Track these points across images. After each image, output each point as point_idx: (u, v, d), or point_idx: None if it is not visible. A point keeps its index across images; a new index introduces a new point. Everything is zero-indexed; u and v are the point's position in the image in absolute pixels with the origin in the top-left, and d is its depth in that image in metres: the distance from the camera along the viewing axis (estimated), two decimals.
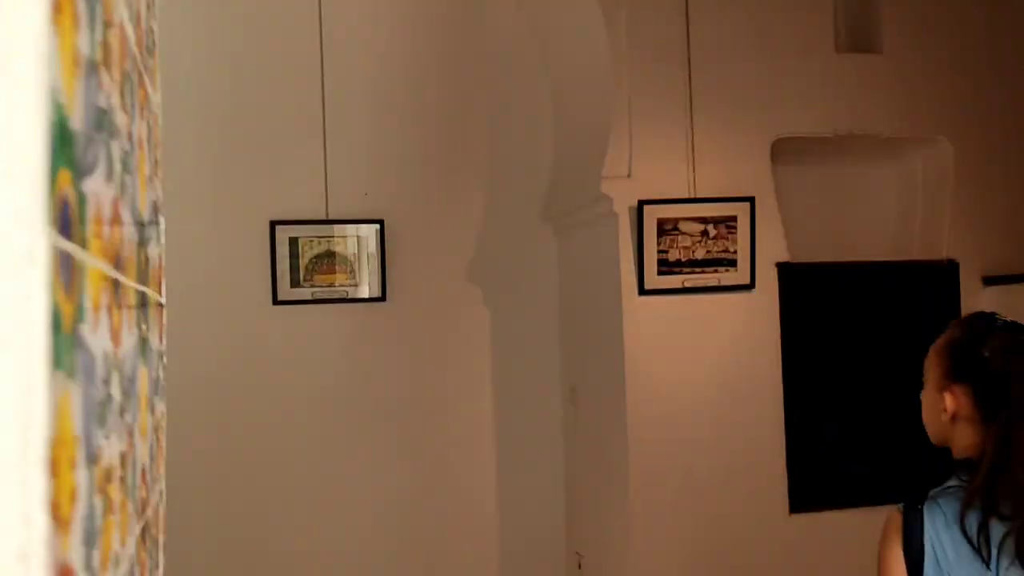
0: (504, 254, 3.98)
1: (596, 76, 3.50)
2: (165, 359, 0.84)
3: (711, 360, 3.39)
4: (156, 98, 0.85)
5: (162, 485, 0.81)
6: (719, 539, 3.35)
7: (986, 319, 1.57)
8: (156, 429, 0.76)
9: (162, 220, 0.83)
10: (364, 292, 3.78)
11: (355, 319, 3.80)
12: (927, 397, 1.60)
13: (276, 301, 3.69)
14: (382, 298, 3.80)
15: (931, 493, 1.50)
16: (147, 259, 0.74)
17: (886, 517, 1.54)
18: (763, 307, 3.44)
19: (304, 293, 3.72)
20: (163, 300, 0.81)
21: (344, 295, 3.76)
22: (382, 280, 3.80)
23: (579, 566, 3.81)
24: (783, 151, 3.56)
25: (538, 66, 4.02)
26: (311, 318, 3.75)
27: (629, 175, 3.35)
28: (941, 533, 1.44)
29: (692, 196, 3.39)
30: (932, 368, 1.58)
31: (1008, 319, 1.56)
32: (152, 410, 0.75)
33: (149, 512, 0.70)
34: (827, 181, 3.84)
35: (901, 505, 1.52)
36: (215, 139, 3.70)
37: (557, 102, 3.97)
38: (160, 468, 0.78)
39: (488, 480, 3.92)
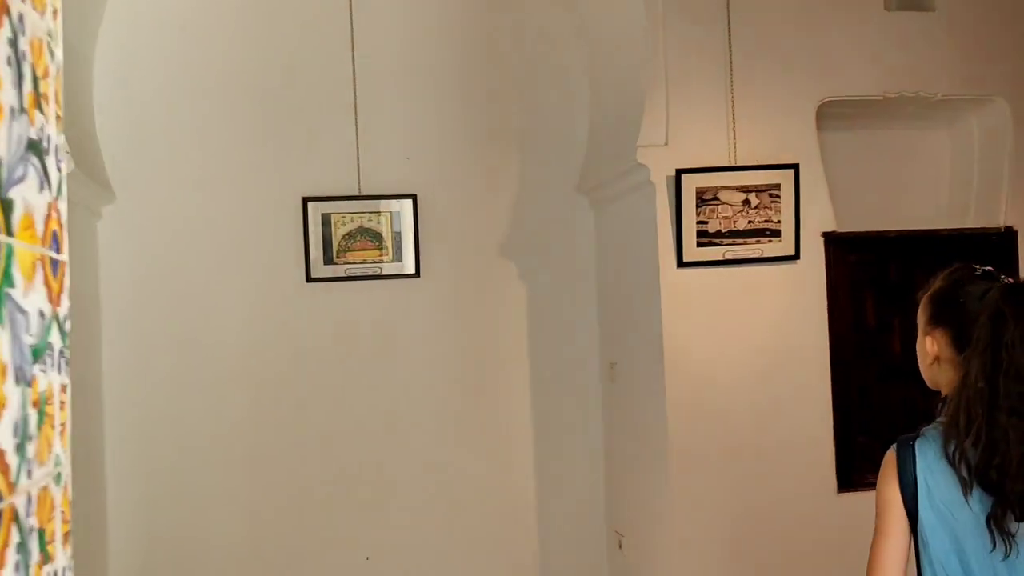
0: (540, 228, 3.89)
1: (631, 39, 3.38)
2: (68, 324, 0.76)
3: (754, 335, 3.27)
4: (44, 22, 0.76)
5: (59, 469, 0.74)
6: (764, 519, 3.25)
7: (966, 269, 1.66)
8: (39, 403, 0.70)
9: (54, 161, 0.74)
10: (398, 268, 3.73)
11: (389, 296, 3.74)
12: (918, 344, 1.69)
13: (309, 278, 3.65)
14: (416, 274, 3.74)
15: (922, 430, 1.58)
16: (11, 205, 0.65)
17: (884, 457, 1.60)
18: (809, 279, 3.31)
19: (337, 270, 3.67)
20: (60, 256, 0.74)
21: (377, 272, 3.71)
22: (416, 256, 3.73)
23: (620, 546, 3.74)
24: (829, 115, 3.40)
25: (573, 32, 3.91)
26: (345, 295, 3.71)
27: (666, 143, 3.23)
28: (932, 465, 1.52)
29: (733, 164, 3.26)
30: (920, 316, 1.68)
31: (987, 268, 1.64)
32: (29, 382, 0.68)
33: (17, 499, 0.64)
34: (876, 146, 3.67)
35: (895, 444, 1.59)
36: (246, 115, 3.66)
37: (593, 69, 3.85)
38: (52, 449, 0.71)
39: (526, 458, 3.86)
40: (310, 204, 3.65)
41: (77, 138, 3.15)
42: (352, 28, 3.70)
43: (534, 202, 3.89)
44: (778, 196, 3.25)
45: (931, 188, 3.71)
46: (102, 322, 3.50)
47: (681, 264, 3.22)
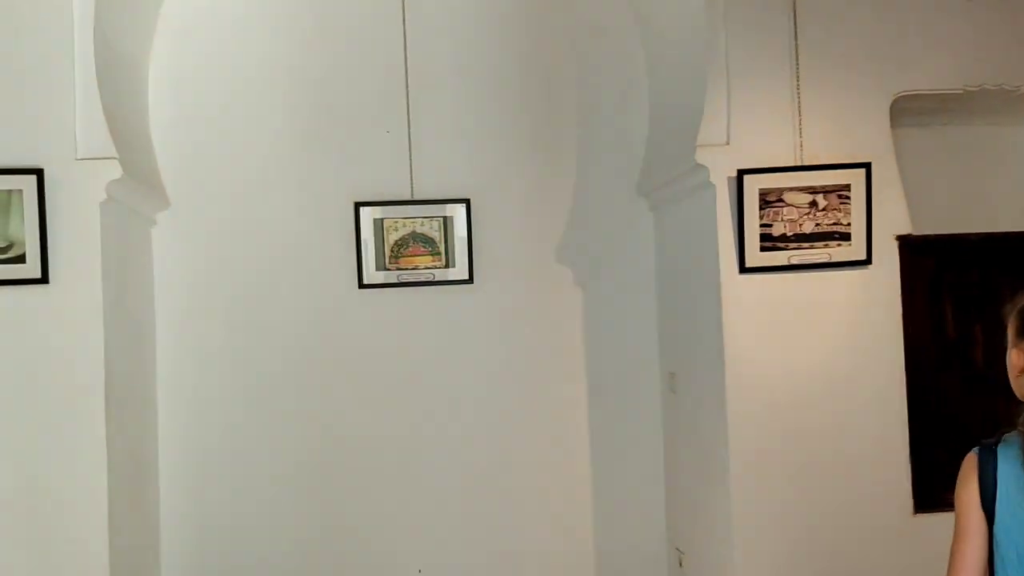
0: (597, 232, 3.77)
1: (691, 32, 3.23)
2: None
3: (822, 344, 3.08)
4: None
5: None
6: (832, 540, 3.06)
7: None
8: None
9: None
10: (451, 275, 3.64)
11: (442, 303, 3.66)
12: (1007, 356, 1.66)
13: (362, 285, 3.60)
14: (469, 280, 3.65)
15: (1004, 436, 1.59)
16: None
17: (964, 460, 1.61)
18: (882, 285, 3.11)
19: (390, 276, 3.61)
20: None
21: (430, 278, 3.63)
22: (469, 262, 3.65)
23: (680, 564, 3.58)
24: (904, 110, 3.20)
25: (630, 27, 3.78)
26: (397, 302, 3.64)
27: (727, 142, 3.07)
28: (1013, 470, 1.54)
29: (799, 163, 3.08)
30: (1009, 329, 1.66)
31: None
32: None
33: None
34: (955, 143, 3.45)
35: (977, 447, 1.61)
36: (299, 121, 3.63)
37: (651, 65, 3.72)
38: None
39: (583, 471, 3.73)
40: (362, 209, 3.60)
41: (132, 146, 3.15)
42: (405, 32, 3.65)
43: (591, 205, 3.77)
44: (848, 197, 3.07)
45: (1015, 187, 3.47)
46: (157, 328, 3.50)
47: (743, 270, 3.06)
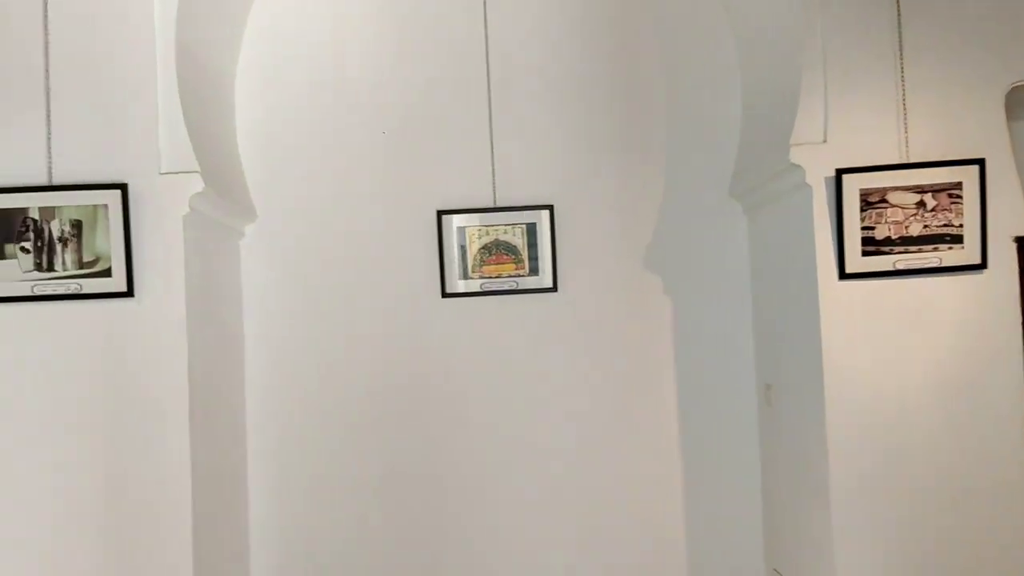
0: (687, 237, 3.61)
1: (785, 21, 3.05)
2: None
3: (931, 355, 2.85)
4: None
5: None
6: (945, 567, 2.82)
7: None
8: None
9: None
10: (534, 283, 3.55)
11: (525, 311, 3.57)
12: None
13: (445, 294, 3.55)
14: (553, 288, 3.55)
15: None
16: None
17: None
18: (998, 290, 2.86)
19: (473, 285, 3.55)
20: None
21: (514, 286, 3.55)
22: (553, 269, 3.55)
23: None
24: (1020, 102, 2.93)
25: (721, 21, 3.61)
26: (481, 310, 3.57)
27: (824, 140, 2.88)
28: None
29: (904, 161, 2.86)
30: None
31: None
32: None
33: None
34: None
35: None
36: (378, 127, 3.60)
37: (744, 60, 3.54)
38: None
39: (674, 488, 3.57)
40: (444, 218, 3.55)
41: (217, 159, 3.18)
42: (486, 35, 3.58)
43: (681, 209, 3.61)
44: (959, 196, 2.83)
45: None
46: (245, 339, 3.53)
47: (844, 276, 2.86)
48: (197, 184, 2.87)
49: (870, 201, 2.84)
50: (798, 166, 2.89)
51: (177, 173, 2.85)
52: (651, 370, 3.59)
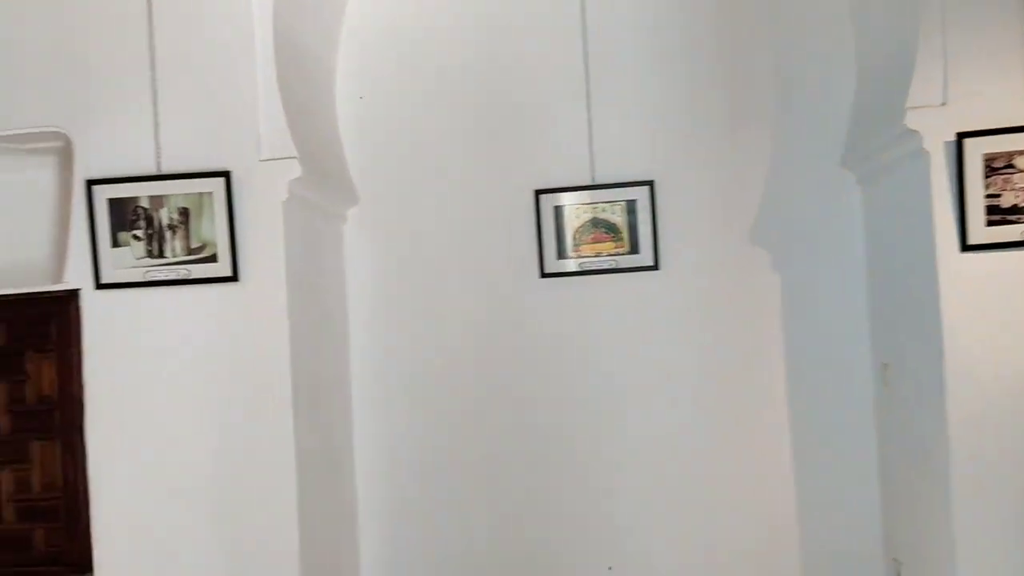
0: (796, 210, 3.44)
1: None
2: None
3: None
4: None
5: None
6: None
7: None
8: None
9: None
10: (635, 261, 3.46)
11: (626, 290, 3.50)
12: None
13: (543, 274, 3.51)
14: (654, 267, 3.46)
15: None
16: None
17: None
18: None
19: (571, 264, 3.49)
20: None
21: (613, 265, 3.47)
22: (654, 247, 3.45)
23: (898, 575, 3.21)
24: None
25: None
26: (580, 290, 3.51)
27: (943, 103, 2.68)
28: None
29: None
30: None
31: None
32: None
33: None
34: None
35: None
36: (479, 110, 3.58)
37: (858, 20, 3.32)
38: None
39: (785, 472, 3.42)
40: (543, 196, 3.50)
41: (317, 144, 3.23)
42: (583, 9, 3.50)
43: (790, 181, 3.44)
44: None
45: None
46: (349, 322, 3.59)
47: (966, 248, 2.67)
48: (295, 169, 2.92)
49: (994, 167, 2.63)
50: (915, 131, 2.70)
51: (276, 159, 2.91)
52: (759, 350, 3.45)
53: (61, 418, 2.95)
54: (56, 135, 2.99)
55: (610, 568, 3.51)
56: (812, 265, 3.44)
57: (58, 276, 2.99)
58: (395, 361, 3.58)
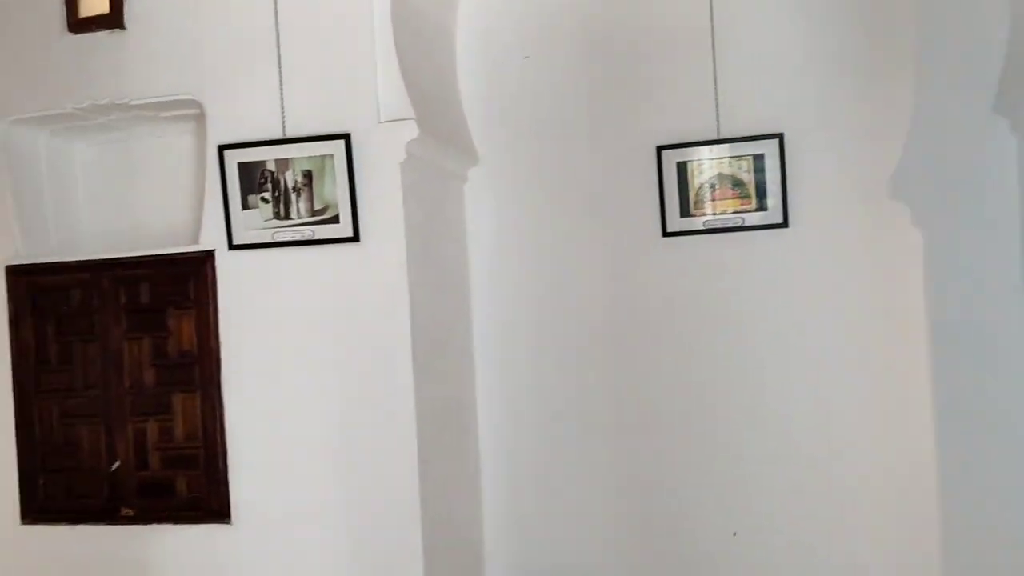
0: (941, 160, 3.17)
1: None
2: None
3: None
4: None
5: None
6: None
7: None
8: None
9: None
10: (762, 218, 3.32)
11: (753, 249, 3.36)
12: None
13: (665, 233, 3.42)
14: (783, 224, 3.31)
15: None
16: None
17: None
18: None
19: (695, 223, 3.39)
20: None
21: (739, 223, 3.34)
22: (783, 203, 3.30)
23: None
24: None
25: None
26: (704, 249, 3.41)
27: None
28: None
29: None
30: None
31: None
32: None
33: None
34: None
35: None
36: (599, 65, 3.51)
37: None
38: None
39: (925, 448, 3.17)
40: (664, 153, 3.40)
41: (436, 105, 3.26)
42: None
43: (934, 129, 3.17)
44: None
45: None
46: (471, 282, 3.62)
47: None
48: (413, 130, 2.95)
49: None
50: None
51: (394, 121, 2.95)
52: (898, 314, 3.24)
53: (200, 372, 3.12)
54: (191, 103, 3.14)
55: (735, 534, 3.42)
56: (959, 220, 3.16)
57: (195, 237, 3.15)
58: (517, 320, 3.59)
